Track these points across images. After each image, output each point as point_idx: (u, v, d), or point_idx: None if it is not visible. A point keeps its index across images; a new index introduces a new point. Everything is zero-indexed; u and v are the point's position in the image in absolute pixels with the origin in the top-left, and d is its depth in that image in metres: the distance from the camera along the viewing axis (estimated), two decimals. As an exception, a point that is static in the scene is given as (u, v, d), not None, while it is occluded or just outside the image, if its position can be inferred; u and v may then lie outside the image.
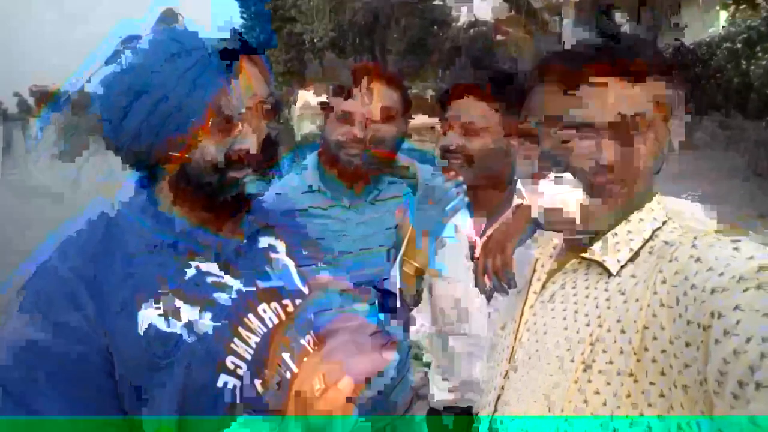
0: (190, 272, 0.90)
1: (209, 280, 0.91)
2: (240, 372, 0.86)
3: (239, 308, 0.91)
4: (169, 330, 0.82)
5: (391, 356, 0.74)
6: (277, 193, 1.53)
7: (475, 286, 1.22)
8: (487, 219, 1.45)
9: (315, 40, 23.57)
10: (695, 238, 0.72)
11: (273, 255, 1.03)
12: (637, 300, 0.73)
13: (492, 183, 1.42)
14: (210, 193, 0.90)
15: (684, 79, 0.84)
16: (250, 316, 0.93)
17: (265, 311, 0.95)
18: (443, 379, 1.53)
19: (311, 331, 1.01)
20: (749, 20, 9.39)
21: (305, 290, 1.10)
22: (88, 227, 0.89)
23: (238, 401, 0.85)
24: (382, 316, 1.35)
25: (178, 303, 0.85)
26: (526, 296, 0.92)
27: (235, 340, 0.88)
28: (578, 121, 0.76)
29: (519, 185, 1.40)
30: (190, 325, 0.84)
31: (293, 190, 1.59)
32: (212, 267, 0.92)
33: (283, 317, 0.97)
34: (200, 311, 0.86)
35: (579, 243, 0.85)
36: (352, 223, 1.57)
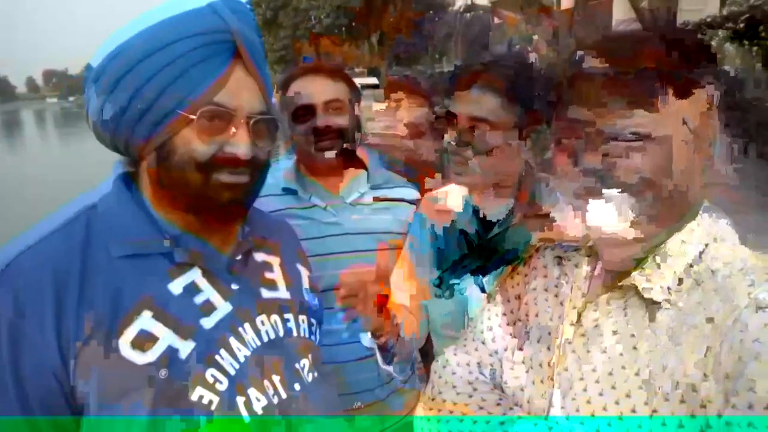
0: (177, 290, 0.80)
1: (197, 300, 0.82)
2: (220, 387, 0.78)
3: (229, 323, 0.83)
4: (140, 362, 0.74)
5: None
6: None
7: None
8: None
9: (322, 17, 23.22)
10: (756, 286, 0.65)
11: (268, 274, 0.95)
12: (692, 352, 0.66)
13: (500, 186, 1.27)
14: (194, 196, 0.81)
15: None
16: (246, 326, 0.85)
17: (263, 323, 0.88)
18: None
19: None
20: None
21: (315, 303, 1.04)
22: (64, 227, 0.78)
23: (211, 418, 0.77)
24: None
25: (158, 329, 0.76)
26: (559, 341, 0.82)
27: (221, 351, 0.81)
28: (628, 134, 0.69)
29: (553, 213, 1.28)
30: (165, 357, 0.76)
31: (267, 190, 1.51)
32: (201, 282, 0.83)
33: (281, 332, 0.90)
34: (182, 339, 0.78)
35: (621, 270, 0.77)
36: (330, 225, 1.48)
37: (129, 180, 0.85)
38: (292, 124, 1.47)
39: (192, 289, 0.82)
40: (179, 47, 0.78)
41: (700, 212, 0.75)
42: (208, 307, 0.82)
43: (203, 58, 0.78)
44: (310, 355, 0.95)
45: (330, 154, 1.45)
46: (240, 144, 0.80)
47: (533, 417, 0.81)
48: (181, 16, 0.80)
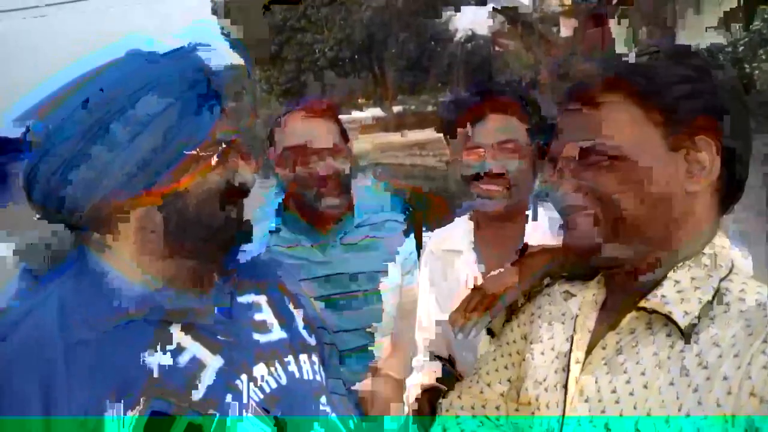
0: (156, 360, 0.74)
1: (182, 360, 0.76)
2: None
3: (224, 379, 0.78)
4: None
5: None
6: None
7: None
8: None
9: (326, 50, 23.60)
10: None
11: (257, 316, 0.90)
12: (725, 378, 0.62)
13: (514, 213, 1.31)
14: (206, 237, 0.78)
15: None
16: (242, 378, 0.80)
17: (262, 376, 0.83)
18: None
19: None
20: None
21: (312, 341, 0.99)
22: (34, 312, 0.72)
23: None
24: None
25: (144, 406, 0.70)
26: (567, 363, 0.80)
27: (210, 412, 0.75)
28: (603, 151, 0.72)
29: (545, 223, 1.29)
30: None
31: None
32: (187, 342, 0.77)
33: (283, 380, 0.85)
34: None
35: (633, 289, 0.75)
36: (319, 265, 1.45)
37: (87, 251, 0.78)
38: (290, 164, 1.40)
39: (175, 350, 0.76)
40: (179, 86, 0.74)
41: (713, 241, 0.73)
42: (197, 366, 0.76)
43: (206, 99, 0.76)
44: (323, 397, 0.90)
45: (334, 201, 1.40)
46: (248, 173, 0.82)
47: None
48: (162, 56, 0.77)
